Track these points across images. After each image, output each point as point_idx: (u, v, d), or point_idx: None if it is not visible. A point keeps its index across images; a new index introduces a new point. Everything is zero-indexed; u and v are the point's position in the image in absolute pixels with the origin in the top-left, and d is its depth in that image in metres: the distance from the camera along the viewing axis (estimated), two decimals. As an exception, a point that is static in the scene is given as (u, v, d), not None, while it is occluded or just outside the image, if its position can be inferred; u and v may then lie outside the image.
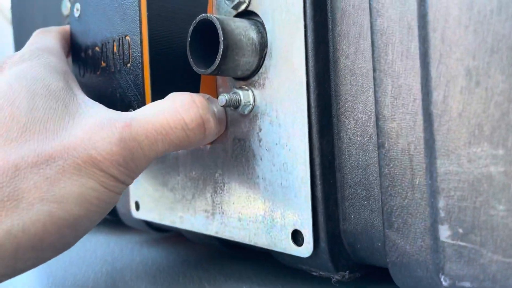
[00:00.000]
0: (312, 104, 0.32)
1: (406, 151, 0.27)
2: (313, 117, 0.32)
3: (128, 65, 0.36)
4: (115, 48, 0.37)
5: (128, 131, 0.30)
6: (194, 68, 0.34)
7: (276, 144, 0.34)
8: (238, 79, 0.36)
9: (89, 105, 0.32)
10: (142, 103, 0.34)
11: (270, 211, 0.35)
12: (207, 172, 0.40)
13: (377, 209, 0.31)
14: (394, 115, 0.27)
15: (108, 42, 0.38)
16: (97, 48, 0.40)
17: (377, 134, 0.28)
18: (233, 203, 0.38)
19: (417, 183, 0.26)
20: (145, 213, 0.48)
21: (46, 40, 0.38)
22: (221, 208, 0.39)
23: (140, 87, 0.34)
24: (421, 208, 0.26)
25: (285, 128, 0.33)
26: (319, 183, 0.32)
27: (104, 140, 0.29)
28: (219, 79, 0.38)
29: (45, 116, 0.29)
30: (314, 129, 0.32)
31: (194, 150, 0.41)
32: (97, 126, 0.29)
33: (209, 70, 0.33)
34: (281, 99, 0.33)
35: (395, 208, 0.28)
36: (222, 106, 0.35)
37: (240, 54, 0.33)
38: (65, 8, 0.57)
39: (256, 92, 0.35)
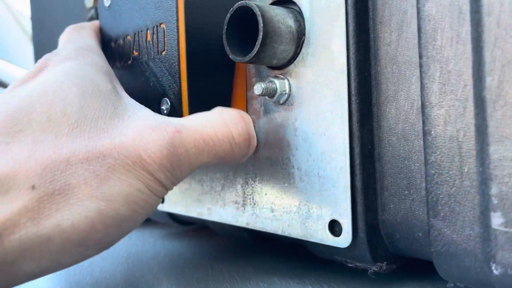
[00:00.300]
0: (353, 92, 0.31)
1: (455, 138, 0.26)
2: (354, 106, 0.31)
3: (163, 53, 0.35)
4: (148, 36, 0.37)
5: (178, 136, 0.29)
6: (230, 56, 0.34)
7: (314, 133, 0.33)
8: (273, 68, 0.36)
9: (137, 108, 0.32)
10: (178, 91, 0.34)
11: (305, 202, 0.34)
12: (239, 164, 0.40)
13: (419, 198, 0.30)
14: (442, 101, 0.27)
15: (141, 31, 0.38)
16: (128, 38, 0.39)
17: (423, 122, 0.28)
18: (266, 194, 0.37)
19: (466, 170, 0.26)
20: (171, 206, 0.48)
21: (85, 38, 0.38)
22: (253, 199, 0.39)
23: (176, 75, 0.34)
24: (470, 196, 0.26)
25: (324, 117, 0.33)
26: (358, 173, 0.32)
27: (154, 142, 0.28)
28: (253, 68, 0.38)
29: (96, 114, 0.29)
30: (354, 118, 0.31)
31: (224, 141, 0.41)
32: (148, 128, 0.29)
33: (247, 58, 0.32)
34: (320, 88, 0.33)
35: (441, 196, 0.27)
36: (258, 95, 0.34)
37: (279, 41, 0.33)
38: (89, 1, 0.57)
39: (292, 81, 0.35)
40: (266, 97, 0.35)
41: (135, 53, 0.39)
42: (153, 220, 0.56)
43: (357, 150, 0.32)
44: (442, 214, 0.27)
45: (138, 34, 0.38)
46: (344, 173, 0.32)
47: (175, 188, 0.46)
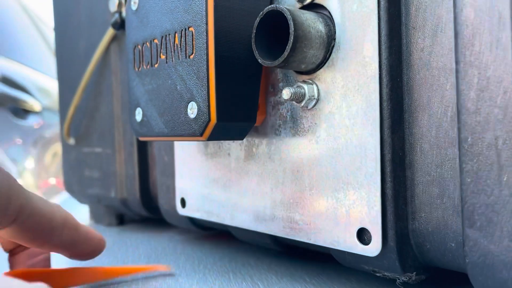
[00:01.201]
0: (384, 98, 0.31)
1: (493, 146, 0.26)
2: (385, 112, 0.31)
3: (192, 56, 0.35)
4: (176, 40, 0.37)
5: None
6: (259, 60, 0.33)
7: (343, 139, 0.33)
8: (301, 73, 0.36)
9: None
10: (206, 95, 0.34)
11: (333, 208, 0.34)
12: (264, 168, 0.39)
13: (451, 207, 0.29)
14: (480, 108, 0.26)
15: (169, 34, 0.37)
16: (155, 41, 0.39)
17: (458, 129, 0.27)
18: (292, 201, 0.37)
19: (505, 179, 0.25)
20: (192, 210, 0.48)
21: None
22: (279, 205, 0.38)
23: (204, 79, 0.34)
24: (509, 206, 0.25)
25: (354, 123, 0.32)
26: (389, 180, 0.31)
27: None
28: (280, 73, 0.38)
29: None
30: (386, 124, 0.31)
31: (249, 147, 0.41)
32: None
33: (277, 62, 0.32)
34: (350, 93, 0.32)
35: (478, 206, 0.27)
36: (286, 100, 0.34)
37: (309, 46, 0.32)
38: (113, 5, 0.57)
39: (321, 86, 0.34)
40: (294, 102, 0.35)
41: (162, 57, 0.38)
42: (173, 224, 0.55)
43: (388, 156, 0.31)
44: (478, 224, 0.27)
45: (166, 37, 0.38)
46: (374, 180, 0.31)
47: (197, 193, 0.46)
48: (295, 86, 0.34)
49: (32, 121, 1.72)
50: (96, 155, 0.64)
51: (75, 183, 0.70)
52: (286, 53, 0.32)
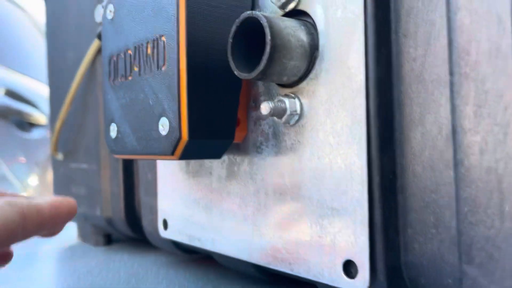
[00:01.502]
0: (372, 114, 0.27)
1: (494, 170, 0.22)
2: (373, 130, 0.27)
3: (164, 68, 0.32)
4: (149, 50, 0.34)
5: None
6: (235, 72, 0.30)
7: (328, 160, 0.30)
8: (283, 86, 0.33)
9: None
10: (177, 110, 0.31)
11: (317, 237, 0.30)
12: (246, 190, 0.36)
13: (448, 239, 0.26)
14: (478, 126, 0.23)
15: (142, 44, 0.35)
16: (129, 52, 0.36)
17: (454, 150, 0.24)
18: (274, 226, 0.34)
19: (507, 209, 0.22)
20: (174, 233, 0.45)
21: None
22: (260, 231, 0.35)
23: (175, 92, 0.31)
24: (512, 241, 0.22)
25: (339, 141, 0.29)
26: (378, 207, 0.28)
27: None
28: (261, 86, 0.34)
29: None
30: (374, 144, 0.27)
31: (230, 165, 0.37)
32: None
33: (253, 74, 0.29)
34: (335, 108, 0.29)
35: (476, 239, 0.23)
36: (266, 115, 0.31)
37: (288, 56, 0.29)
38: (98, 15, 0.55)
39: (304, 100, 0.31)
40: (275, 117, 0.32)
41: (135, 69, 0.36)
42: (158, 247, 0.52)
43: (376, 180, 0.27)
44: (477, 261, 0.23)
45: (138, 47, 0.35)
46: (361, 206, 0.28)
47: (179, 214, 0.43)
48: (276, 100, 0.31)
49: (37, 134, 1.71)
50: (82, 172, 0.61)
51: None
52: (262, 64, 0.28)
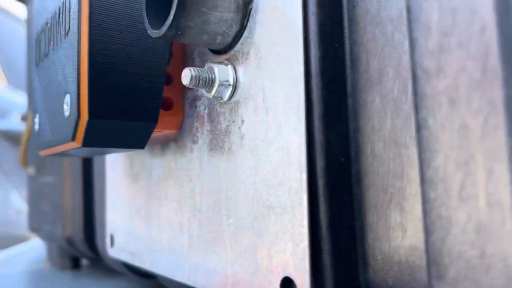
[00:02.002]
0: (313, 73, 0.20)
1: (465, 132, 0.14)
2: (315, 95, 0.20)
3: (68, 34, 0.26)
4: (59, 16, 0.28)
5: None
6: (148, 31, 0.23)
7: (262, 140, 0.22)
8: (219, 53, 0.25)
9: None
10: (77, 81, 0.24)
11: (252, 247, 0.22)
12: (182, 191, 0.29)
13: (419, 244, 0.17)
14: (444, 68, 0.15)
15: (56, 12, 0.29)
16: (48, 25, 0.30)
17: (416, 111, 0.16)
18: (209, 235, 0.26)
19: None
20: (119, 251, 0.37)
21: None
22: (194, 243, 0.27)
23: (76, 59, 0.24)
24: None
25: (275, 115, 0.21)
26: (322, 201, 0.20)
27: None
28: (196, 57, 0.27)
29: None
30: (316, 114, 0.20)
31: (168, 162, 0.30)
32: None
33: (164, 28, 0.22)
34: (270, 70, 0.22)
35: (450, 243, 0.15)
36: (186, 85, 0.23)
37: (210, 5, 0.22)
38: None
39: (239, 68, 0.24)
40: (204, 92, 0.24)
41: (51, 44, 0.29)
42: (112, 268, 0.45)
43: (320, 164, 0.20)
44: (450, 275, 0.15)
45: (54, 17, 0.29)
46: (299, 202, 0.20)
47: (124, 227, 0.36)
48: (205, 68, 0.24)
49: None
50: (48, 186, 0.55)
51: (34, 219, 0.61)
52: (172, 14, 0.22)
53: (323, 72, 0.20)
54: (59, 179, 0.52)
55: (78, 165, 0.48)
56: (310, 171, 0.20)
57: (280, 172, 0.21)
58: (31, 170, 0.60)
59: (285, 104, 0.21)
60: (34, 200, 0.62)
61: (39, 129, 0.32)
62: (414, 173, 0.18)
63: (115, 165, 0.38)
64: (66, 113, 0.25)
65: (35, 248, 0.71)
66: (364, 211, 0.20)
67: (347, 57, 0.20)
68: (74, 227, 0.49)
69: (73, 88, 0.25)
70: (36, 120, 0.32)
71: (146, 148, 0.33)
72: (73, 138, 0.25)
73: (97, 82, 0.24)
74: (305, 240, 0.19)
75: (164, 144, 0.31)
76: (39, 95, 0.32)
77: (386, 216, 0.19)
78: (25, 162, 0.59)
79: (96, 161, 0.44)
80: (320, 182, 0.20)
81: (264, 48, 0.22)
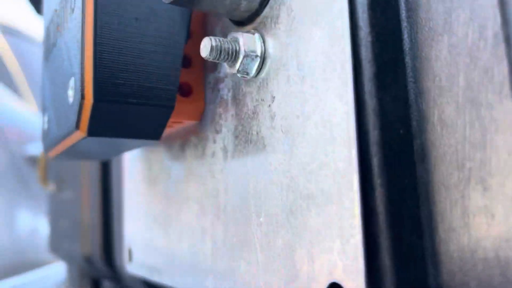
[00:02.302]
0: (361, 24, 0.16)
1: None
2: (363, 50, 0.16)
3: (74, 11, 0.23)
4: (66, -4, 0.25)
5: None
6: (161, -4, 0.20)
7: (297, 116, 0.18)
8: (244, 24, 0.22)
9: None
10: (80, 60, 0.21)
11: (288, 248, 0.18)
12: (204, 190, 0.25)
13: (515, 234, 0.13)
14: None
15: (63, -6, 0.26)
16: (56, 11, 0.28)
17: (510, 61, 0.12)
18: (236, 239, 0.22)
19: None
20: (137, 266, 0.33)
21: None
22: (219, 250, 0.23)
23: (79, 34, 0.21)
24: None
25: (312, 81, 0.17)
26: (378, 185, 0.15)
27: None
28: (218, 34, 0.24)
29: None
30: (366, 74, 0.16)
31: (188, 159, 0.26)
32: None
33: (178, -11, 0.19)
34: (305, 30, 0.18)
35: None
36: (206, 57, 0.20)
37: (232, -42, 0.19)
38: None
39: (268, 36, 0.20)
40: (227, 67, 0.21)
41: (58, 29, 0.26)
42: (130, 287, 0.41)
43: (373, 137, 0.16)
44: None
45: (60, 1, 0.26)
46: (349, 186, 0.16)
47: (142, 239, 0.32)
48: (228, 39, 0.20)
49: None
50: (67, 202, 0.52)
51: (54, 238, 0.58)
52: (188, -32, 0.18)
53: (373, 23, 0.16)
54: (77, 195, 0.49)
55: (95, 177, 0.45)
56: (361, 147, 0.16)
57: (321, 152, 0.17)
58: (51, 188, 0.57)
59: (325, 66, 0.17)
60: (54, 219, 0.59)
61: (48, 128, 0.29)
62: (501, 138, 0.13)
63: (133, 170, 0.34)
64: (70, 100, 0.22)
65: (55, 272, 0.68)
66: (433, 195, 0.15)
67: (402, 4, 0.16)
68: (92, 244, 0.46)
69: (77, 69, 0.21)
70: (45, 119, 0.29)
71: (165, 147, 0.29)
72: (77, 126, 0.21)
73: (103, 60, 0.21)
74: (357, 235, 0.15)
75: (184, 140, 0.27)
76: (48, 92, 0.29)
77: (463, 199, 0.14)
78: (45, 180, 0.57)
79: (114, 170, 0.41)
80: (375, 161, 0.15)
81: (298, 5, 0.18)
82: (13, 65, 1.40)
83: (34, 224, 1.23)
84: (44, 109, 0.30)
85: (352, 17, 0.16)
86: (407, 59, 0.16)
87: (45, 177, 0.57)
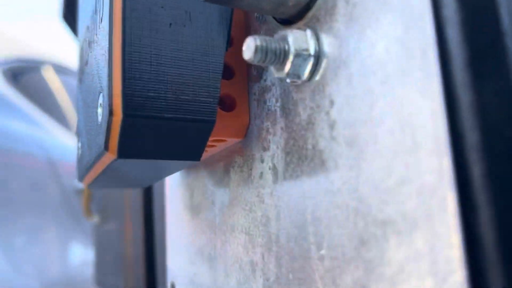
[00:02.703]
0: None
1: None
2: (451, 32, 0.12)
3: (102, 20, 0.21)
4: (96, 10, 0.23)
5: None
6: (197, -6, 0.17)
7: (364, 122, 0.15)
8: (292, 23, 0.19)
9: None
10: (108, 71, 0.18)
11: (360, 285, 0.14)
12: (252, 218, 0.21)
13: None
14: None
15: (92, 10, 0.24)
16: (87, 28, 0.26)
17: None
18: (289, 276, 0.18)
19: None
20: (181, 304, 0.30)
21: None
22: (273, 286, 0.19)
23: (107, 44, 0.19)
24: None
25: (382, 76, 0.14)
26: (483, 203, 0.12)
27: None
28: (261, 31, 0.21)
29: None
30: (457, 63, 0.12)
31: (232, 183, 0.23)
32: None
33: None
34: (369, 17, 0.15)
35: None
36: (250, 60, 0.17)
37: None
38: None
39: (322, 32, 0.17)
40: (275, 71, 0.18)
41: (90, 45, 0.24)
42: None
43: (472, 140, 0.12)
44: None
45: (92, 16, 0.24)
46: (440, 206, 0.12)
47: (185, 273, 0.29)
48: (274, 38, 0.17)
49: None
50: (110, 234, 0.50)
51: (99, 271, 0.56)
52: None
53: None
54: (120, 226, 0.47)
55: (138, 207, 0.43)
56: (456, 154, 0.12)
57: (399, 164, 0.13)
58: (95, 219, 0.56)
59: (400, 56, 0.13)
60: (99, 251, 0.57)
61: (81, 154, 0.26)
62: None
63: (174, 198, 0.32)
64: (99, 118, 0.20)
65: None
66: (561, 217, 0.11)
67: (498, -30, 0.13)
68: (135, 277, 0.43)
69: (105, 83, 0.19)
70: (79, 144, 0.27)
71: (207, 171, 0.26)
72: (106, 147, 0.19)
73: (133, 70, 0.18)
74: (458, 272, 0.11)
75: (228, 161, 0.24)
76: (81, 114, 0.27)
77: None
78: (89, 211, 0.55)
79: (156, 199, 0.39)
80: (475, 171, 0.12)
81: (358, -11, 0.15)
82: (64, 101, 1.44)
83: (85, 256, 1.23)
84: (78, 134, 0.28)
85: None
86: (507, 41, 0.13)
87: (89, 208, 0.55)
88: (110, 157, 0.19)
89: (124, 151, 0.19)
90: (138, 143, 0.19)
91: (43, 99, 1.34)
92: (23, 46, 1.40)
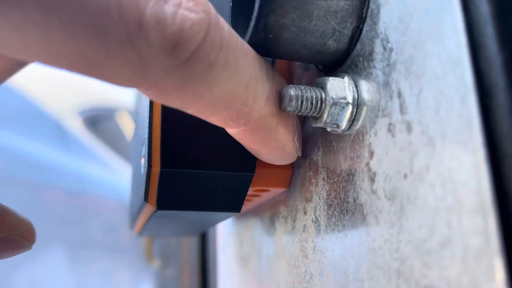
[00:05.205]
0: (485, 41, 0.11)
1: None
2: (492, 78, 0.11)
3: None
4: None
5: None
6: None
7: (405, 176, 0.13)
8: (331, 70, 0.18)
9: None
10: (149, 124, 0.19)
11: None
12: (296, 274, 0.20)
13: None
14: None
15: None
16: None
17: None
18: None
19: None
20: None
21: None
22: None
23: (149, 103, 0.19)
24: None
25: (422, 124, 0.13)
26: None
27: None
28: (303, 79, 0.20)
29: None
30: (500, 111, 0.11)
31: (277, 235, 0.22)
32: None
33: (248, 32, 0.16)
34: (407, 60, 0.14)
35: None
36: (285, 110, 0.16)
37: (310, -10, 0.15)
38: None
39: (360, 78, 0.16)
40: (313, 121, 0.17)
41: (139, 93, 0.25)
42: None
43: (522, 198, 0.10)
44: None
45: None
46: (486, 274, 0.10)
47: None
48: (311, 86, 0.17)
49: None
50: (170, 279, 0.50)
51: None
52: (257, 6, 0.15)
53: (502, 37, 0.11)
54: (178, 272, 0.47)
55: (194, 253, 0.43)
56: (503, 214, 0.10)
57: (441, 223, 0.12)
58: (157, 264, 0.56)
59: (438, 104, 0.12)
60: (160, 297, 0.57)
61: (130, 204, 0.27)
62: None
63: (225, 247, 0.31)
64: (142, 170, 0.20)
65: None
66: None
67: (547, 8, 0.11)
68: (191, 327, 0.43)
69: (146, 134, 0.19)
70: (131, 193, 0.28)
71: (256, 221, 0.26)
72: (146, 198, 0.19)
73: (171, 122, 0.18)
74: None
75: (273, 211, 0.23)
76: (132, 166, 0.27)
77: None
78: (151, 256, 0.56)
79: (210, 247, 0.38)
80: (528, 233, 0.10)
81: (394, 33, 0.14)
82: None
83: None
84: (131, 186, 0.29)
85: (471, 33, 0.11)
86: None
87: (151, 253, 0.56)
88: (150, 208, 0.19)
89: (163, 203, 0.19)
90: (177, 195, 0.19)
91: (117, 144, 1.40)
92: (98, 96, 1.48)
